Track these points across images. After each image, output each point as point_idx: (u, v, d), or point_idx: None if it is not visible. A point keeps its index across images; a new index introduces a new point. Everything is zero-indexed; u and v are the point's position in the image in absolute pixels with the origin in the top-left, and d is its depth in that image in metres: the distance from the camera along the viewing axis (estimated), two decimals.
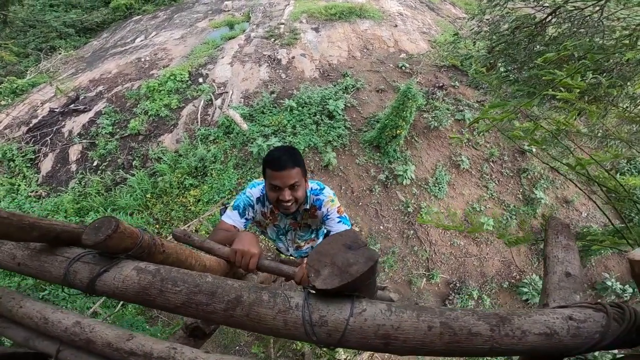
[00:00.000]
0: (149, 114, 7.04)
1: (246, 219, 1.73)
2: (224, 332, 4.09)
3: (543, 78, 1.74)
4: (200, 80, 7.75)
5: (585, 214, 6.29)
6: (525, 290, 5.30)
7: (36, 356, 0.92)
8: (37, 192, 6.24)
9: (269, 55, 8.20)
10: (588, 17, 3.05)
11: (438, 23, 10.33)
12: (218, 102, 7.18)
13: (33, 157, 6.77)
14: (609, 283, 5.28)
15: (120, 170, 6.35)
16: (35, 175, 6.54)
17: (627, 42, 2.04)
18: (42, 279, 0.87)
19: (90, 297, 4.45)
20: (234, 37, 9.28)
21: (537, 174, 6.50)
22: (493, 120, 1.33)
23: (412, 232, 5.73)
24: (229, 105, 6.98)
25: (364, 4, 10.29)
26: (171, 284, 0.74)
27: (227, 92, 7.36)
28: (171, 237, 1.55)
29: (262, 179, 1.81)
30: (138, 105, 7.23)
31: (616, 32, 2.78)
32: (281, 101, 6.87)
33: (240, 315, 0.68)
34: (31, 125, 7.26)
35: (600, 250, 5.27)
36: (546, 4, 3.51)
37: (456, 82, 7.45)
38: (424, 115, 6.72)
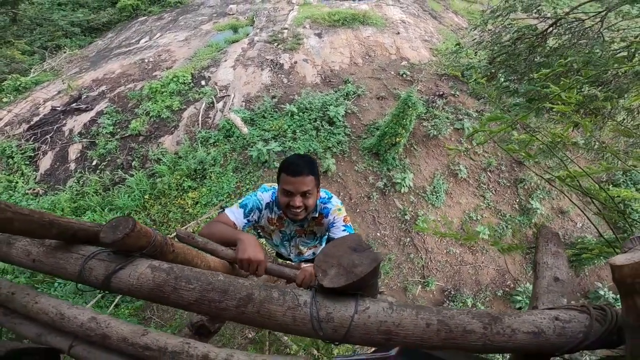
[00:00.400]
0: (150, 115, 7.08)
1: (248, 220, 1.73)
2: (220, 334, 4.10)
3: (541, 91, 1.81)
4: (203, 82, 7.81)
5: (581, 225, 6.37)
6: (519, 298, 5.35)
7: (48, 352, 0.95)
8: (34, 189, 6.24)
9: (271, 60, 8.29)
10: (588, 29, 3.13)
11: (440, 31, 10.48)
12: (219, 105, 7.23)
13: (32, 154, 6.78)
14: (602, 292, 5.34)
15: (119, 170, 6.37)
16: (34, 173, 6.54)
17: (625, 54, 2.11)
18: (57, 276, 0.90)
19: (83, 297, 4.47)
20: (237, 41, 9.37)
21: (534, 184, 6.58)
22: (491, 133, 1.38)
23: (408, 239, 5.77)
24: (230, 109, 7.04)
25: (368, 10, 10.44)
26: (185, 282, 0.78)
27: (228, 96, 7.42)
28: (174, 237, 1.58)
29: (272, 185, 1.85)
30: (140, 106, 7.27)
31: (614, 44, 2.86)
32: (282, 106, 6.93)
33: (252, 312, 0.73)
34: (32, 123, 7.28)
35: (593, 260, 5.34)
36: (547, 15, 3.59)
37: (456, 91, 7.55)
38: (424, 124, 6.80)
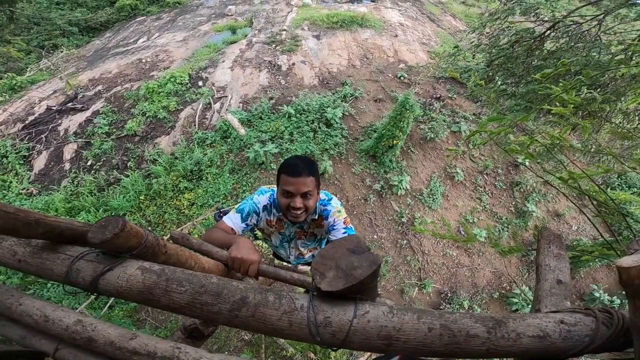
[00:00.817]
0: (146, 115, 7.02)
1: (247, 224, 1.71)
2: (215, 336, 4.05)
3: (539, 93, 1.80)
4: (200, 83, 7.78)
5: (576, 227, 6.39)
6: (515, 300, 5.35)
7: (32, 355, 0.91)
8: (28, 189, 6.17)
9: (269, 61, 8.27)
10: (586, 32, 3.14)
11: (438, 34, 10.52)
12: (217, 106, 7.20)
13: (27, 154, 6.70)
14: (597, 294, 5.35)
15: (114, 170, 6.31)
16: (28, 172, 6.47)
17: (622, 57, 2.11)
18: (43, 277, 0.87)
19: (76, 298, 4.40)
20: (235, 42, 9.35)
21: (530, 187, 6.60)
22: (490, 134, 1.37)
23: (405, 242, 5.76)
24: (227, 110, 7.00)
25: (366, 13, 10.46)
26: (176, 284, 0.75)
27: (226, 96, 7.38)
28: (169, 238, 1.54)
29: (269, 186, 1.83)
30: (136, 106, 7.22)
31: (612, 47, 2.87)
32: (279, 107, 6.91)
33: (246, 316, 0.70)
34: (27, 122, 7.20)
35: (589, 263, 5.35)
36: (545, 19, 3.60)
37: (453, 94, 7.57)
38: (421, 126, 6.80)
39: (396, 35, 9.63)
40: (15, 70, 9.33)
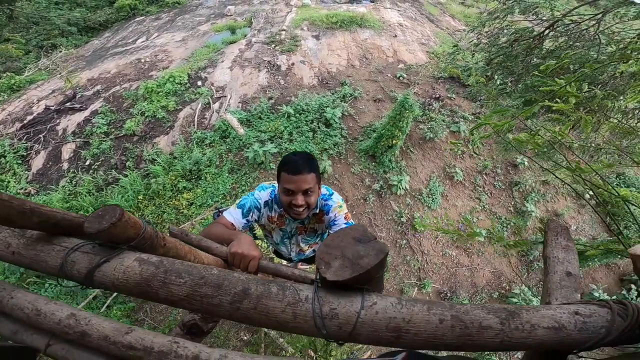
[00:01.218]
0: (145, 115, 6.99)
1: (247, 220, 1.69)
2: (214, 336, 4.01)
3: (540, 89, 1.79)
4: (199, 83, 7.75)
5: (575, 227, 6.38)
6: (515, 300, 5.33)
7: (23, 351, 0.88)
8: (26, 189, 6.12)
9: (268, 61, 8.25)
10: (585, 31, 3.14)
11: (437, 35, 10.53)
12: (216, 105, 7.17)
13: (25, 154, 6.66)
14: (596, 294, 5.34)
15: (112, 170, 6.27)
16: (26, 172, 6.42)
17: (620, 54, 2.10)
18: (37, 270, 0.84)
19: (74, 298, 4.36)
20: (235, 42, 9.34)
21: (529, 187, 6.59)
22: (495, 127, 1.35)
23: (404, 241, 5.73)
24: (226, 110, 6.97)
25: (365, 13, 10.47)
26: (175, 276, 0.72)
27: (225, 96, 7.36)
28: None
29: (270, 182, 1.82)
30: (135, 106, 7.18)
31: (611, 46, 2.87)
32: (279, 107, 6.88)
33: (248, 308, 0.67)
34: (25, 121, 7.16)
35: (588, 263, 5.34)
36: (544, 18, 3.60)
37: (452, 94, 7.56)
38: (420, 126, 6.79)
39: (395, 36, 9.64)
40: (13, 69, 9.30)
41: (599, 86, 2.67)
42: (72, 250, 0.79)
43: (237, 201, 1.73)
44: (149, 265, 0.74)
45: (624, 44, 2.95)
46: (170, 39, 10.10)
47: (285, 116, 6.64)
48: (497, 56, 3.97)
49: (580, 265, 4.20)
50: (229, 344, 3.96)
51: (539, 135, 1.69)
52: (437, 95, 7.43)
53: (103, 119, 6.95)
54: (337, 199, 1.77)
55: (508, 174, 6.78)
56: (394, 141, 5.85)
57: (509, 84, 3.96)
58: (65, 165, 6.51)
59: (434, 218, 6.01)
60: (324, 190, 1.77)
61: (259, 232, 1.95)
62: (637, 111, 3.22)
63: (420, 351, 0.66)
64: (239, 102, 7.20)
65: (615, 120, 2.44)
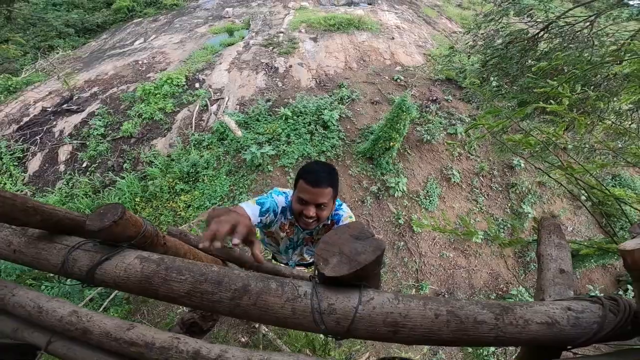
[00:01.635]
0: (143, 117, 6.99)
1: (261, 220, 1.62)
2: (212, 337, 4.01)
3: (535, 90, 1.81)
4: (197, 85, 7.76)
5: (571, 229, 6.43)
6: (512, 301, 5.35)
7: (23, 348, 0.89)
8: (22, 191, 6.09)
9: (266, 63, 8.28)
10: (578, 33, 3.18)
11: (434, 37, 10.60)
12: (213, 107, 7.18)
13: (21, 155, 6.63)
14: (593, 295, 5.38)
15: (109, 172, 6.26)
16: (22, 174, 6.40)
17: (615, 55, 2.14)
18: (38, 268, 0.85)
19: (71, 300, 4.34)
20: (232, 44, 9.36)
21: (525, 188, 6.64)
22: (488, 127, 1.37)
23: (402, 243, 5.75)
24: (224, 112, 6.98)
25: (363, 16, 10.53)
26: (176, 273, 0.73)
27: (223, 98, 7.37)
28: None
29: (283, 190, 1.77)
30: (132, 108, 7.18)
31: (604, 47, 2.90)
32: (276, 109, 6.90)
33: (247, 304, 0.68)
34: (22, 123, 7.14)
35: (585, 264, 5.38)
36: (539, 20, 3.65)
37: (449, 96, 7.61)
38: (417, 129, 6.83)
39: (393, 38, 9.70)
40: (10, 71, 9.27)
41: (592, 88, 2.71)
42: (74, 248, 0.80)
43: (256, 198, 1.65)
44: (150, 263, 0.75)
45: (617, 45, 3.00)
46: (168, 40, 10.11)
47: (283, 118, 6.66)
48: (492, 58, 4.01)
49: (577, 266, 4.25)
50: (228, 344, 3.94)
51: (532, 135, 1.72)
52: (434, 98, 7.48)
53: (100, 120, 6.94)
54: (346, 210, 1.75)
55: (505, 176, 6.83)
56: (392, 143, 5.88)
57: (505, 86, 4.00)
58: (62, 167, 6.49)
59: (431, 220, 6.04)
60: None
61: (257, 235, 1.91)
62: (630, 112, 3.27)
63: (411, 358, 0.67)
64: (237, 104, 7.22)
65: (609, 122, 2.47)
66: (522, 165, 6.65)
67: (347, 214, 1.72)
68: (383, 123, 5.94)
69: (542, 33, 3.66)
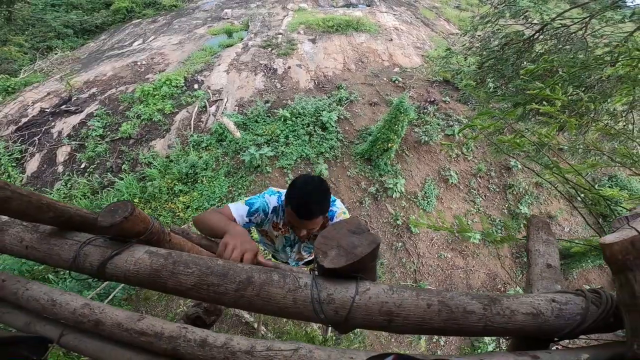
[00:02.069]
0: (141, 118, 7.01)
1: (250, 220, 1.64)
2: (215, 331, 4.03)
3: (527, 92, 1.86)
4: (196, 86, 7.79)
5: (568, 229, 6.49)
6: None
7: (36, 341, 0.92)
8: None
9: (265, 65, 8.32)
10: (573, 34, 3.23)
11: (432, 38, 10.67)
12: (212, 109, 7.21)
13: (19, 156, 6.64)
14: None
15: (108, 173, 6.27)
16: (20, 175, 6.40)
17: (608, 58, 2.18)
18: (49, 263, 0.88)
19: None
20: (231, 45, 9.40)
21: (522, 189, 6.70)
22: (481, 128, 1.42)
23: (400, 244, 5.79)
24: (223, 113, 7.02)
25: (361, 17, 10.59)
26: (183, 266, 0.77)
27: (221, 100, 7.40)
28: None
29: (278, 189, 1.79)
30: (131, 109, 7.20)
31: (598, 49, 2.96)
32: (275, 111, 6.94)
33: (251, 295, 0.72)
34: (20, 124, 7.15)
35: (582, 264, 5.44)
36: (535, 21, 3.70)
37: (447, 98, 7.68)
38: (415, 130, 6.88)
39: (391, 39, 9.76)
40: (9, 71, 9.27)
41: (584, 89, 2.76)
42: (85, 244, 0.84)
43: (246, 198, 1.68)
44: (158, 257, 0.79)
45: (610, 47, 3.06)
46: (167, 41, 10.14)
47: (282, 120, 6.70)
48: (489, 60, 4.06)
49: (574, 267, 4.30)
50: None
51: (524, 137, 1.77)
52: (432, 99, 7.54)
53: (99, 121, 6.96)
54: (340, 205, 1.76)
55: (502, 177, 6.89)
56: (390, 145, 5.92)
57: (502, 87, 4.05)
58: (60, 168, 6.50)
59: (428, 220, 6.09)
60: None
61: (255, 236, 1.93)
62: (625, 113, 3.32)
63: (408, 354, 0.71)
64: (236, 106, 7.25)
65: (602, 123, 2.52)
66: (519, 166, 6.72)
67: (340, 210, 1.73)
68: (381, 124, 5.99)
69: (537, 35, 3.72)
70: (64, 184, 6.16)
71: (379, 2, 12.61)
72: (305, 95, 7.40)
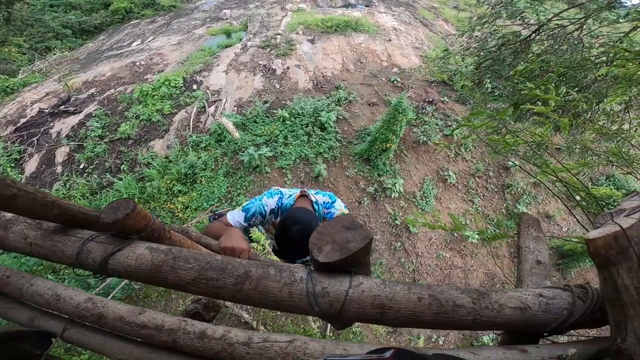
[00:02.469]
0: (140, 118, 7.03)
1: (249, 224, 1.71)
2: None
3: (522, 92, 1.89)
4: (195, 87, 7.81)
5: (566, 229, 6.53)
6: None
7: (39, 335, 0.94)
8: None
9: (264, 65, 8.35)
10: (569, 35, 3.26)
11: (430, 39, 10.70)
12: (211, 109, 7.23)
13: (18, 157, 6.65)
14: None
15: (107, 174, 6.29)
16: (19, 175, 6.41)
17: (604, 58, 2.21)
18: (53, 260, 0.91)
19: None
20: (230, 46, 9.42)
21: (520, 189, 6.74)
22: (474, 127, 1.44)
23: (399, 244, 5.82)
24: (222, 113, 7.04)
25: (360, 18, 10.62)
26: (183, 261, 0.80)
27: (220, 100, 7.43)
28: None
29: (277, 188, 1.83)
30: (130, 109, 7.22)
31: (594, 49, 2.98)
32: (274, 111, 6.97)
33: (249, 289, 0.75)
34: (19, 124, 7.16)
35: (579, 264, 5.48)
36: (531, 22, 3.73)
37: (445, 98, 7.71)
38: (414, 130, 6.92)
39: (390, 40, 9.79)
40: (7, 72, 9.28)
41: (579, 89, 2.79)
42: (88, 240, 0.87)
43: (244, 204, 1.76)
44: (159, 253, 0.82)
45: (604, 47, 3.09)
46: (166, 42, 10.16)
47: (281, 120, 6.73)
48: (486, 60, 4.09)
49: (572, 266, 4.32)
50: None
51: (518, 137, 1.79)
52: (431, 99, 7.57)
53: (98, 122, 6.97)
54: (339, 206, 1.79)
55: (500, 177, 6.92)
56: (388, 145, 5.95)
57: (500, 88, 4.08)
58: (59, 169, 6.51)
59: (427, 221, 6.11)
60: (326, 198, 1.80)
61: (254, 235, 1.95)
62: (621, 114, 3.35)
63: (408, 349, 0.73)
64: (235, 106, 7.28)
65: (599, 124, 2.55)
66: (517, 165, 6.75)
67: (338, 211, 1.77)
68: (380, 124, 6.02)
69: (534, 35, 3.75)
70: (62, 184, 6.17)
71: (378, 3, 12.65)
72: (304, 96, 7.43)
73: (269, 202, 1.75)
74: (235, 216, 1.68)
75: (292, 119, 6.75)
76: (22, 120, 7.27)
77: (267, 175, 6.07)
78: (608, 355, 0.77)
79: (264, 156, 6.11)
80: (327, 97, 7.49)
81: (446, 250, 5.97)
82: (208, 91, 7.65)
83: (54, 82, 8.47)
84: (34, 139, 6.93)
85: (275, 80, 7.96)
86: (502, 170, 6.96)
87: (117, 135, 6.82)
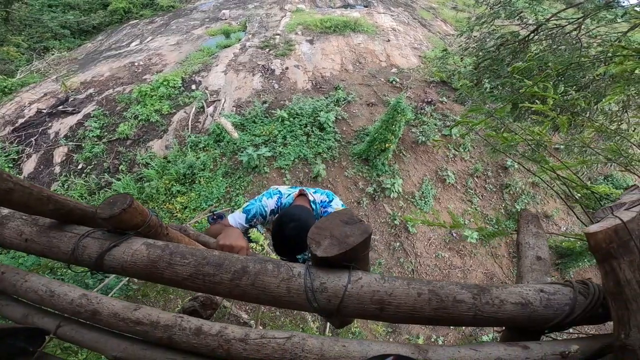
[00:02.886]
0: (139, 118, 7.01)
1: (250, 225, 1.71)
2: None
3: (520, 91, 1.89)
4: (193, 87, 7.80)
5: (565, 229, 6.52)
6: None
7: (33, 332, 0.93)
8: None
9: (263, 65, 8.34)
10: (567, 34, 3.27)
11: (429, 39, 10.72)
12: (210, 109, 7.22)
13: (16, 157, 6.62)
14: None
15: (105, 174, 6.27)
16: (17, 176, 6.38)
17: (601, 57, 2.21)
18: (48, 256, 0.90)
19: None
20: (229, 46, 9.42)
21: (519, 189, 6.74)
22: (472, 125, 1.44)
23: (398, 244, 5.81)
24: (220, 113, 7.03)
25: (359, 18, 10.63)
26: (180, 257, 0.79)
27: (219, 100, 7.42)
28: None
29: (276, 187, 1.82)
30: (128, 110, 7.20)
31: (592, 49, 2.99)
32: (273, 111, 6.96)
33: (246, 285, 0.74)
34: (17, 124, 7.13)
35: (578, 263, 5.47)
36: (530, 22, 3.74)
37: (444, 98, 7.71)
38: (413, 130, 6.91)
39: (388, 40, 9.81)
40: (5, 72, 9.25)
41: (578, 88, 2.79)
42: (84, 236, 0.86)
43: (244, 205, 1.74)
44: (155, 249, 0.81)
45: (602, 47, 3.09)
46: (165, 42, 10.14)
47: (280, 120, 6.72)
48: (485, 60, 4.09)
49: (571, 266, 4.30)
50: None
51: (516, 134, 1.79)
52: (429, 99, 7.58)
53: (96, 122, 6.95)
54: (336, 204, 1.77)
55: (499, 177, 6.92)
56: (387, 145, 5.95)
57: (497, 87, 4.08)
58: (57, 169, 6.49)
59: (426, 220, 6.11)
60: (324, 197, 1.78)
61: (253, 235, 1.94)
62: (620, 113, 3.36)
63: (407, 355, 0.72)
64: (233, 106, 7.26)
65: (597, 123, 2.55)
66: (516, 165, 6.76)
67: (335, 210, 1.74)
68: (378, 124, 6.01)
69: (532, 35, 3.76)
70: (61, 184, 6.15)
71: (377, 3, 12.67)
72: (302, 96, 7.42)
73: (269, 202, 1.75)
74: (236, 218, 1.68)
75: (291, 119, 6.74)
76: (20, 121, 7.24)
77: (266, 176, 6.06)
78: (611, 351, 0.76)
79: (263, 156, 6.10)
80: (326, 98, 7.49)
81: (445, 250, 5.96)
82: (207, 91, 7.63)
83: (52, 82, 8.45)
84: (32, 139, 6.90)
85: (274, 81, 7.96)
86: (501, 170, 6.96)
87: (116, 136, 6.79)
